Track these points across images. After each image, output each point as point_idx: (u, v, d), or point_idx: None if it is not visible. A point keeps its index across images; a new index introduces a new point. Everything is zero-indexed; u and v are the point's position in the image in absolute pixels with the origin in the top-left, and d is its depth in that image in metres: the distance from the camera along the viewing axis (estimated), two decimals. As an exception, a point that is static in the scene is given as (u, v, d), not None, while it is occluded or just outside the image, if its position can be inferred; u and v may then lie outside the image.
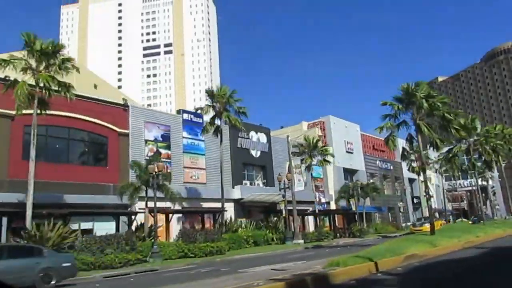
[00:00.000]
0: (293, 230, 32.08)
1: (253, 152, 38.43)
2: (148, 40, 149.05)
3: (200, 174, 33.14)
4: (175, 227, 28.30)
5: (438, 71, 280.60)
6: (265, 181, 39.59)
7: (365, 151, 57.41)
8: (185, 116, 33.57)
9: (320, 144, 35.34)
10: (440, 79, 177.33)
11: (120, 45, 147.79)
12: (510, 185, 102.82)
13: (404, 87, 22.39)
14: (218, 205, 29.20)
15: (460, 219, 69.83)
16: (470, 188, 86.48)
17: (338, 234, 37.03)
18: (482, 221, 34.37)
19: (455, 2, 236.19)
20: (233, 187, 35.02)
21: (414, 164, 53.40)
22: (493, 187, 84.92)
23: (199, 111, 32.16)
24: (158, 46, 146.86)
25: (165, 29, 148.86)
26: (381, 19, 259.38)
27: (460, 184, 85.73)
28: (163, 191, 23.48)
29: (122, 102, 29.47)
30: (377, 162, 57.63)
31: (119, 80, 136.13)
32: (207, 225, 30.75)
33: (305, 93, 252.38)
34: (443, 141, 24.71)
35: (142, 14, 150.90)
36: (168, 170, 27.89)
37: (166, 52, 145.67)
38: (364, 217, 39.11)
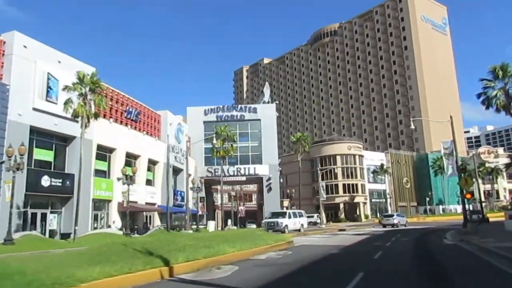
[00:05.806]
0: None
1: None
2: None
3: None
4: None
5: (267, 52, 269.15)
6: None
7: None
8: None
9: None
10: (266, 61, 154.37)
11: None
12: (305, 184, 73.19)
13: None
14: None
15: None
16: (242, 178, 55.24)
17: None
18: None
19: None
20: None
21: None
22: (269, 179, 56.08)
23: None
24: None
25: None
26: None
27: (224, 172, 53.78)
28: None
29: None
30: None
31: None
32: None
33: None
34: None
35: None
36: None
37: None
38: None
